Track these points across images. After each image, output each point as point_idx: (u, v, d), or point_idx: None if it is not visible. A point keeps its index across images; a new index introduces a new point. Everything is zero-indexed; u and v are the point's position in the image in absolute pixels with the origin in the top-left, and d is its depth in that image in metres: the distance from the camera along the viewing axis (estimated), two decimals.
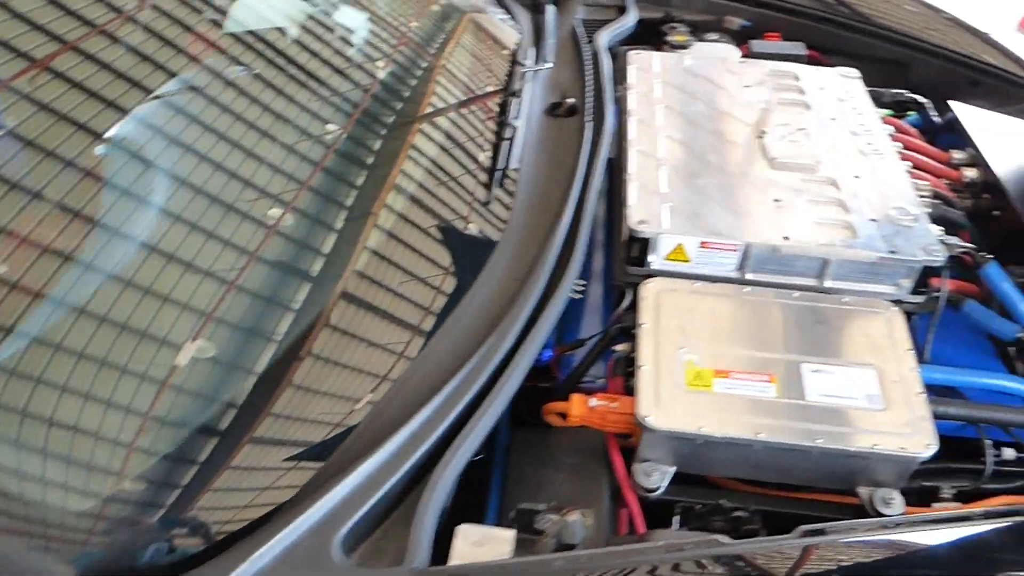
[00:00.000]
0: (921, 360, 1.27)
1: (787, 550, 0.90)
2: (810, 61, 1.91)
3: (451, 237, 1.25)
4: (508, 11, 1.85)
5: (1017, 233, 1.35)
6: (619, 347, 1.18)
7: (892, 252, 1.20)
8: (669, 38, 1.86)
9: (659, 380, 1.08)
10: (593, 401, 1.11)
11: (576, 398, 1.12)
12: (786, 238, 1.22)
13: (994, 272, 1.29)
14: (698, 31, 1.97)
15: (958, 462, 1.22)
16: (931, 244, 1.22)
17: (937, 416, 1.14)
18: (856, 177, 1.35)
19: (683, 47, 1.85)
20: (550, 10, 1.81)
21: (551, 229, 1.23)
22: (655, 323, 1.15)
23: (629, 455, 1.11)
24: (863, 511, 1.08)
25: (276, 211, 1.11)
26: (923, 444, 1.03)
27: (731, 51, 1.85)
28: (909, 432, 1.04)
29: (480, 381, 1.02)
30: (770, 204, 1.28)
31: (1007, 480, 1.23)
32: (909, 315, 1.26)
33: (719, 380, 1.09)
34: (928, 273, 1.22)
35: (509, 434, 1.17)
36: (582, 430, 1.14)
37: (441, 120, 1.41)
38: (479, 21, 1.73)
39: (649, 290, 1.19)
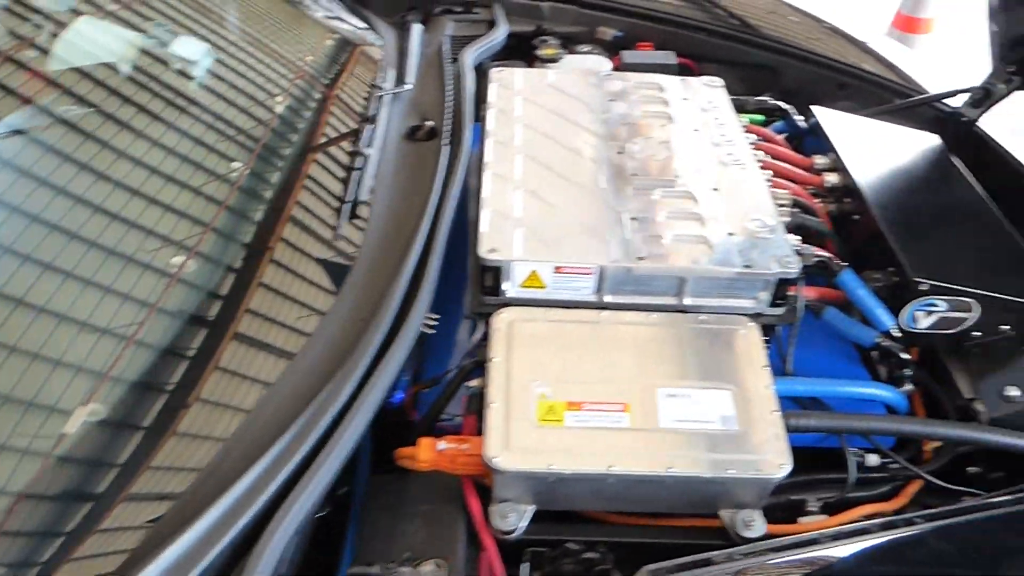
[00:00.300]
0: (784, 372, 1.26)
1: None
2: (683, 70, 1.91)
3: (295, 278, 1.19)
4: (373, 30, 1.80)
5: (875, 236, 1.35)
6: (473, 383, 1.13)
7: (747, 267, 1.19)
8: (539, 52, 1.83)
9: (509, 418, 1.04)
10: (442, 444, 1.06)
11: (424, 442, 1.07)
12: (641, 258, 1.19)
13: (849, 279, 1.29)
14: (571, 43, 1.95)
15: (823, 473, 1.21)
16: (786, 256, 1.20)
17: (797, 430, 1.13)
18: (715, 190, 1.33)
19: (553, 60, 1.82)
20: (415, 29, 1.77)
21: (399, 263, 1.18)
22: (507, 356, 1.11)
23: (489, 493, 1.06)
24: (727, 533, 1.06)
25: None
26: (776, 465, 1.01)
27: (602, 63, 1.83)
28: (763, 454, 1.02)
29: (316, 434, 0.96)
30: (627, 223, 1.25)
31: (872, 487, 1.23)
32: (771, 327, 1.25)
33: (571, 413, 1.05)
34: (785, 284, 1.20)
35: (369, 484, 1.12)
36: (439, 473, 1.09)
37: (290, 150, 1.35)
38: (340, 42, 1.67)
39: (501, 321, 1.15)
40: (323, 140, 1.39)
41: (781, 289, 1.20)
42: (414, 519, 1.07)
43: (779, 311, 1.23)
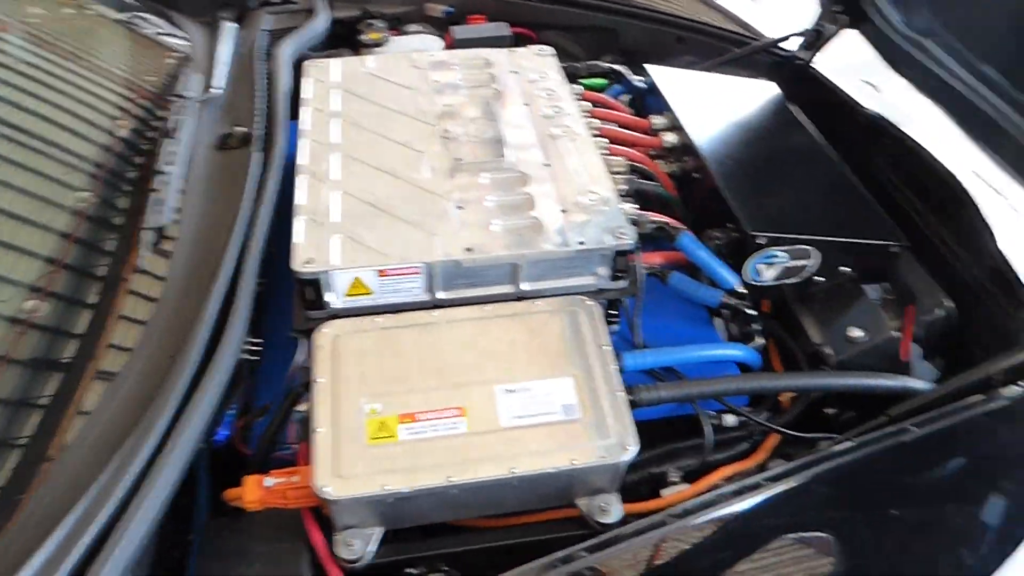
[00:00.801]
0: (634, 345, 1.23)
1: None
2: (521, 40, 1.84)
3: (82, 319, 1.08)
4: (180, 30, 1.66)
5: (714, 193, 1.33)
6: (301, 407, 1.05)
7: (581, 243, 1.14)
8: (363, 37, 1.74)
9: (338, 442, 0.97)
10: (269, 480, 0.98)
11: (249, 481, 0.98)
12: (469, 249, 1.12)
13: (688, 242, 1.25)
14: (400, 24, 1.86)
15: (682, 441, 1.19)
16: (620, 227, 1.16)
17: (649, 403, 1.10)
18: (546, 165, 1.28)
19: (379, 45, 1.73)
20: (225, 28, 1.64)
21: (209, 287, 1.08)
22: (332, 375, 1.03)
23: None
24: (585, 522, 1.02)
25: None
26: (622, 449, 0.97)
27: (432, 42, 1.75)
28: (609, 438, 0.98)
29: (115, 499, 0.86)
30: (453, 213, 1.18)
31: (732, 447, 1.21)
32: (617, 301, 1.21)
33: (405, 426, 0.98)
34: (623, 256, 1.16)
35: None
36: (281, 516, 1.01)
37: (74, 175, 1.22)
38: (136, 48, 1.53)
39: (324, 337, 1.07)
40: (113, 163, 1.27)
41: (620, 261, 1.16)
42: (252, 562, 0.99)
43: (622, 284, 1.18)
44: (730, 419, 1.22)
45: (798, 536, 0.97)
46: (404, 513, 0.99)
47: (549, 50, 1.57)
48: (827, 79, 1.81)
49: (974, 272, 1.29)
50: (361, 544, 0.97)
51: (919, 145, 1.51)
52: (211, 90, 1.45)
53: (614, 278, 1.18)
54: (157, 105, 1.42)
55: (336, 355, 1.05)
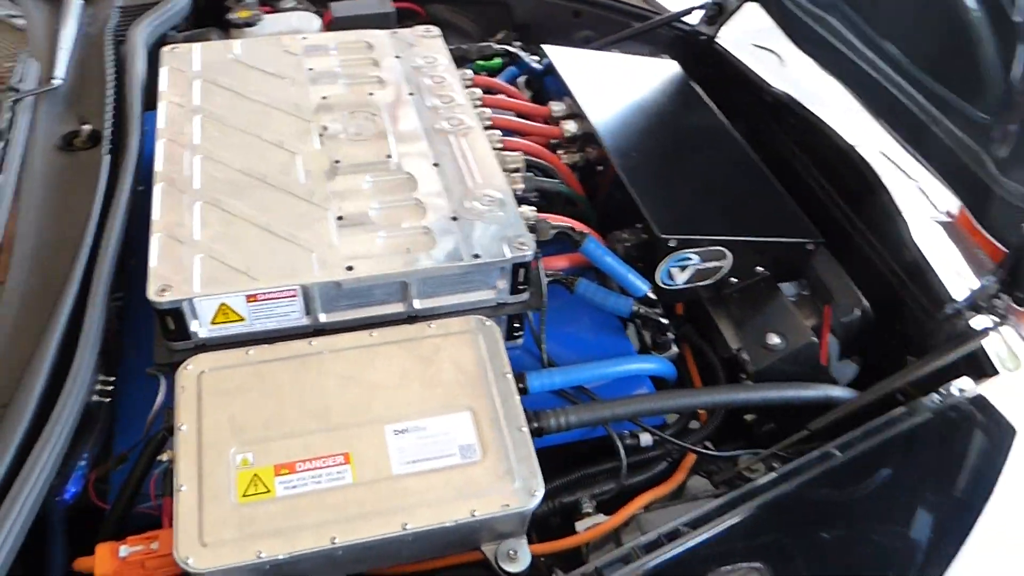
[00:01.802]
0: (540, 363, 1.14)
1: None
2: (406, 16, 1.71)
3: None
4: (15, 4, 1.45)
5: (620, 188, 1.24)
6: (165, 456, 0.92)
7: (476, 256, 1.03)
8: (231, 16, 1.56)
9: (203, 501, 0.84)
10: (123, 549, 0.85)
11: (101, 550, 0.86)
12: (350, 268, 1.00)
13: (593, 248, 1.17)
14: (273, 0, 1.68)
15: (595, 465, 1.11)
16: (519, 236, 1.06)
17: (557, 430, 1.02)
18: (435, 165, 1.16)
19: (250, 24, 1.56)
20: (71, 4, 1.44)
21: (48, 316, 0.93)
22: (197, 420, 0.90)
23: None
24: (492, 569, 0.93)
25: None
26: (528, 495, 0.88)
27: (309, 20, 1.59)
28: (512, 483, 0.89)
29: None
30: (333, 224, 1.06)
31: (648, 468, 1.14)
32: (520, 315, 1.12)
33: (282, 479, 0.87)
34: (521, 268, 1.06)
35: None
36: None
37: None
38: None
39: (187, 376, 0.94)
40: None
41: (520, 273, 1.06)
42: None
43: (523, 297, 1.09)
44: (646, 438, 1.14)
45: (732, 568, 0.91)
46: None
47: (436, 31, 1.44)
48: (732, 55, 1.74)
49: (891, 266, 1.25)
50: None
51: (827, 126, 1.46)
52: (52, 81, 1.27)
53: (515, 291, 1.08)
54: None
55: (202, 396, 0.92)
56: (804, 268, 1.28)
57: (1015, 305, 1.17)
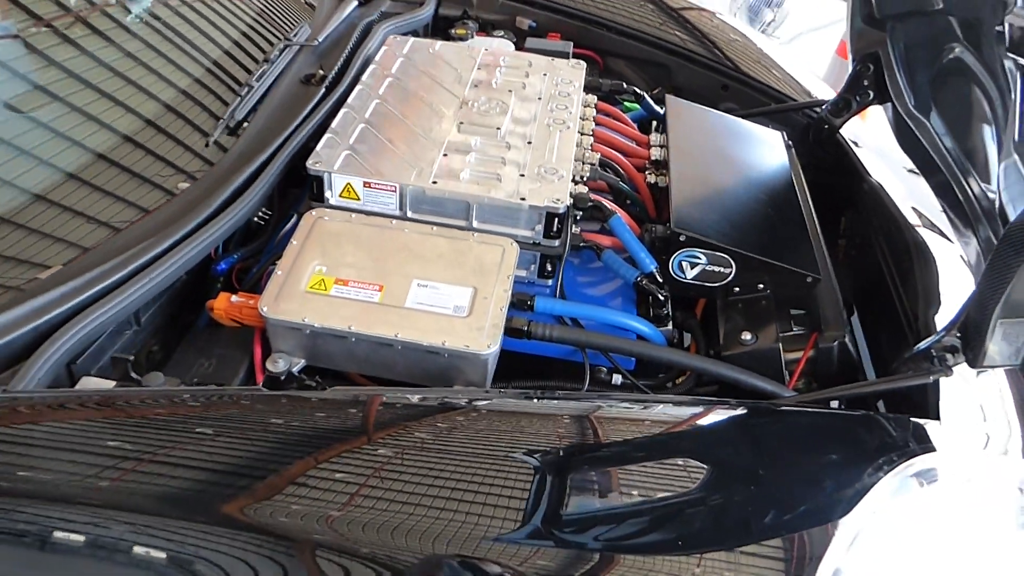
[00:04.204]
0: (554, 296, 1.50)
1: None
2: (586, 60, 2.16)
3: (166, 167, 1.49)
4: None
5: (667, 197, 1.57)
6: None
7: (522, 199, 1.43)
8: (452, 31, 2.11)
9: (285, 283, 1.31)
10: (235, 297, 1.34)
11: (222, 295, 1.35)
12: (435, 182, 1.44)
13: (618, 223, 1.51)
14: (491, 28, 2.22)
15: (565, 382, 1.44)
16: (558, 195, 1.44)
17: (540, 337, 1.37)
18: (529, 143, 1.58)
19: (462, 39, 2.09)
20: (348, 2, 2.06)
21: (242, 168, 1.46)
22: (303, 242, 1.38)
23: None
24: None
25: None
26: (485, 345, 1.25)
27: (506, 45, 2.09)
28: (477, 335, 1.26)
29: (127, 270, 1.24)
30: (439, 156, 1.51)
31: None
32: (551, 260, 1.49)
33: (338, 287, 1.31)
34: (554, 219, 1.44)
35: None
36: (246, 332, 1.36)
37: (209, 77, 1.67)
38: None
39: (310, 216, 1.43)
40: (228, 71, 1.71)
41: (552, 222, 1.44)
42: (211, 357, 1.35)
43: (553, 242, 1.46)
44: (617, 379, 1.45)
45: None
46: (320, 352, 1.31)
47: (582, 64, 1.87)
48: (849, 147, 2.00)
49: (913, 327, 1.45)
50: (284, 364, 1.31)
51: (901, 215, 1.68)
52: (313, 42, 1.87)
53: (547, 236, 1.46)
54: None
55: (312, 230, 1.40)
56: (806, 299, 1.53)
57: (969, 366, 1.34)
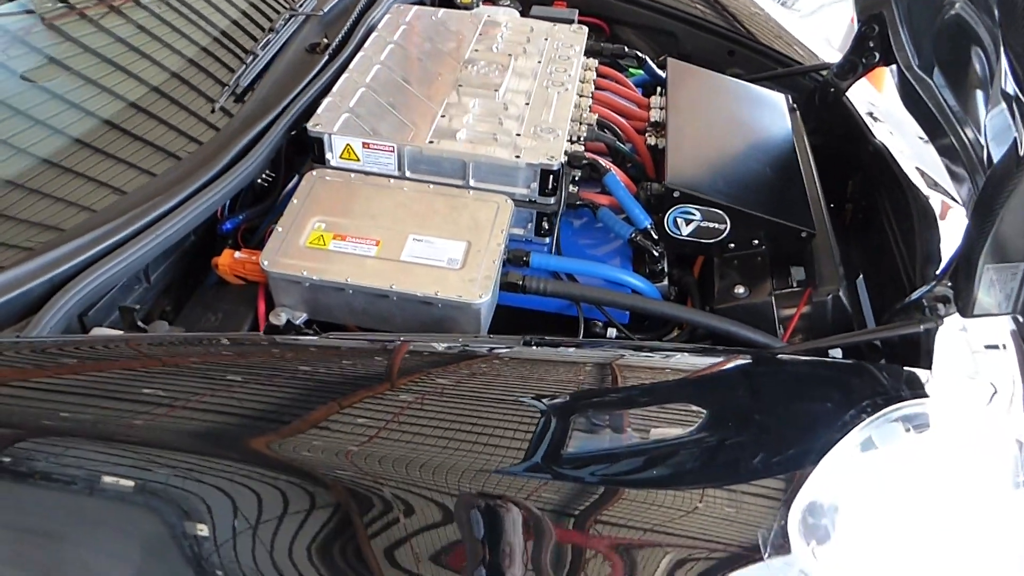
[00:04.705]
0: (550, 252, 1.53)
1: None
2: (594, 29, 2.17)
3: (170, 131, 1.54)
4: None
5: (663, 155, 1.59)
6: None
7: (517, 157, 1.46)
8: (457, 1, 2.13)
9: (286, 239, 1.35)
10: (238, 254, 1.38)
11: (226, 252, 1.39)
12: (431, 142, 1.48)
13: (613, 180, 1.53)
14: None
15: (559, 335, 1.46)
16: (554, 154, 1.47)
17: (533, 291, 1.40)
18: (527, 104, 1.61)
19: (467, 8, 2.12)
20: None
21: (244, 131, 1.51)
22: (304, 200, 1.42)
23: None
24: None
25: None
26: (476, 295, 1.28)
27: (510, 13, 2.11)
28: (470, 286, 1.30)
29: (134, 227, 1.29)
30: (437, 118, 1.54)
31: None
32: (548, 218, 1.52)
33: (336, 242, 1.35)
34: (549, 177, 1.46)
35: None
36: (251, 288, 1.41)
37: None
38: None
39: (311, 176, 1.47)
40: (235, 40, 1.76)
41: (547, 179, 1.47)
42: (217, 313, 1.40)
43: (548, 200, 1.49)
44: (612, 332, 1.48)
45: None
46: (320, 305, 1.35)
47: (584, 29, 1.89)
48: (855, 109, 1.99)
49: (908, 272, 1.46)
50: (286, 317, 1.35)
51: (912, 185, 1.68)
52: (319, 11, 1.90)
53: (542, 193, 1.48)
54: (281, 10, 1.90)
55: (313, 188, 1.44)
56: (801, 255, 1.54)
57: (960, 315, 1.35)
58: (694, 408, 1.20)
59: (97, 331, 1.23)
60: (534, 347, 1.22)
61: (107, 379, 1.11)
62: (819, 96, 2.05)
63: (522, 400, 1.14)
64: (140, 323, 1.22)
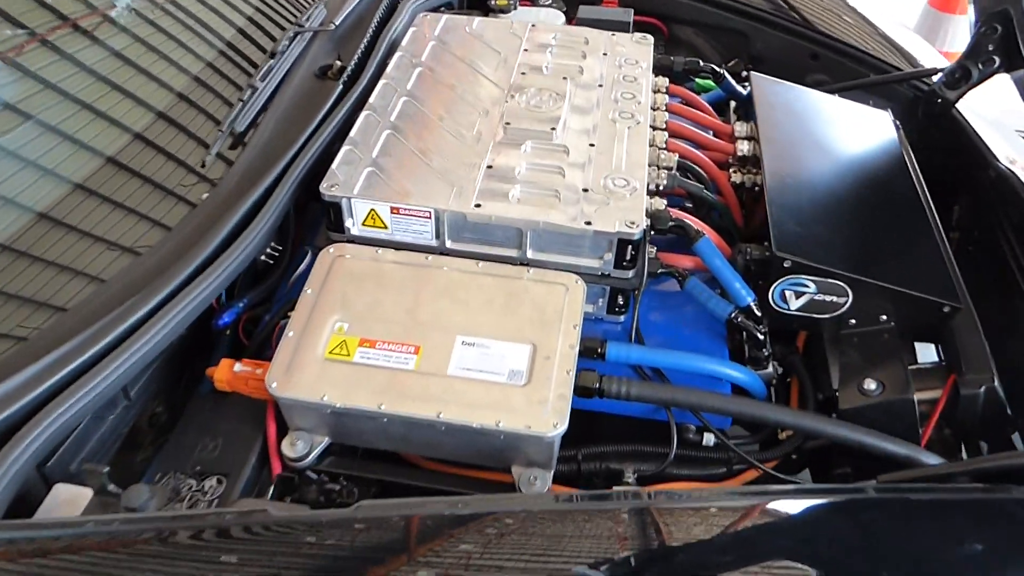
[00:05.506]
0: (631, 339, 1.22)
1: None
2: (647, 29, 1.84)
3: (155, 191, 1.23)
4: None
5: (764, 205, 1.28)
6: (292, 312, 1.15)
7: (587, 223, 1.15)
8: (491, 2, 1.80)
9: (299, 348, 1.05)
10: (238, 366, 1.09)
11: (224, 363, 1.10)
12: (478, 205, 1.17)
13: (705, 248, 1.22)
14: None
15: (649, 445, 1.17)
16: (633, 217, 1.16)
17: (615, 396, 1.10)
18: (591, 145, 1.29)
19: (504, 11, 1.79)
20: None
21: (247, 191, 1.20)
22: (319, 290, 1.12)
23: None
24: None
25: None
26: (550, 424, 0.99)
27: (555, 16, 1.79)
28: (539, 410, 1.00)
29: (109, 338, 1.00)
30: (482, 171, 1.23)
31: (703, 467, 1.18)
32: (624, 294, 1.21)
33: (363, 350, 1.06)
34: (627, 245, 1.16)
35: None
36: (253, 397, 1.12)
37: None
38: None
39: (326, 255, 1.16)
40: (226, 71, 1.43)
41: (625, 249, 1.16)
42: (217, 436, 1.11)
43: (626, 273, 1.19)
44: (709, 438, 1.18)
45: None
46: (348, 430, 1.06)
47: (649, 39, 1.56)
48: (968, 125, 1.66)
49: None
50: (304, 446, 1.06)
51: None
52: (330, 25, 1.58)
53: (619, 266, 1.18)
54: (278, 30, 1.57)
55: (330, 273, 1.14)
56: (940, 332, 1.23)
57: None
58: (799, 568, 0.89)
59: (60, 490, 0.94)
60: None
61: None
62: (923, 108, 1.73)
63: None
64: (112, 487, 0.93)
